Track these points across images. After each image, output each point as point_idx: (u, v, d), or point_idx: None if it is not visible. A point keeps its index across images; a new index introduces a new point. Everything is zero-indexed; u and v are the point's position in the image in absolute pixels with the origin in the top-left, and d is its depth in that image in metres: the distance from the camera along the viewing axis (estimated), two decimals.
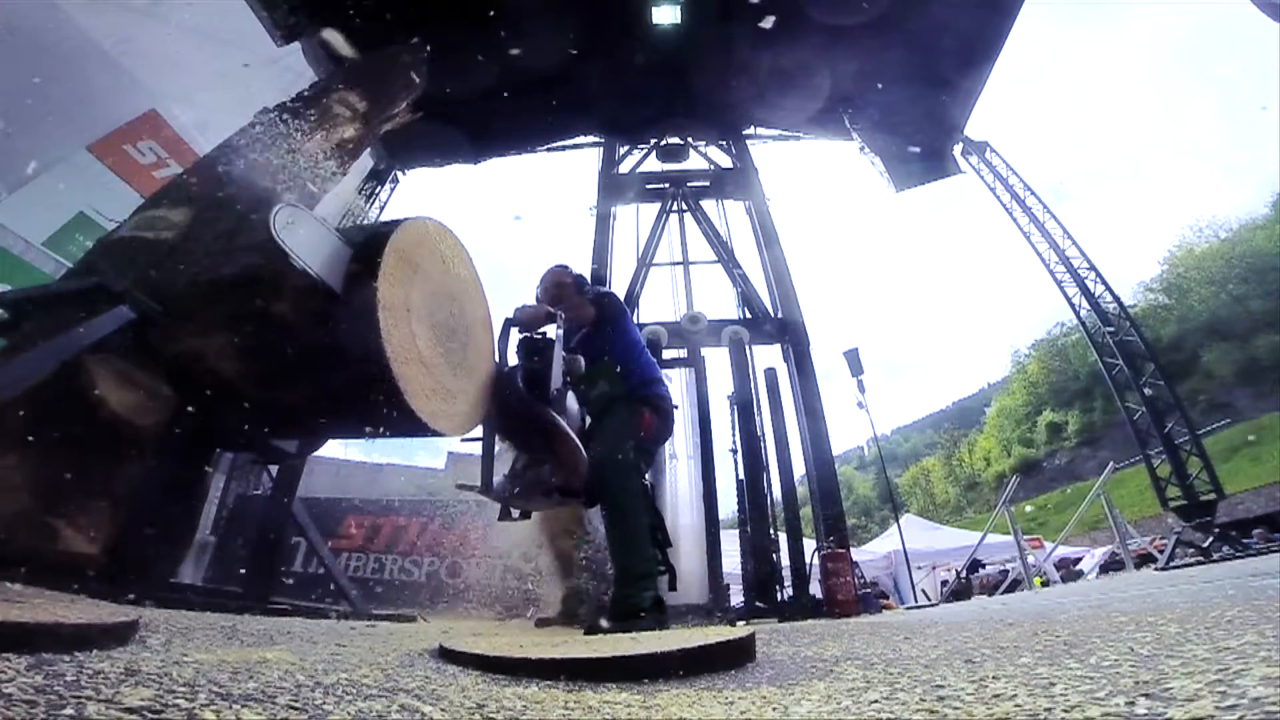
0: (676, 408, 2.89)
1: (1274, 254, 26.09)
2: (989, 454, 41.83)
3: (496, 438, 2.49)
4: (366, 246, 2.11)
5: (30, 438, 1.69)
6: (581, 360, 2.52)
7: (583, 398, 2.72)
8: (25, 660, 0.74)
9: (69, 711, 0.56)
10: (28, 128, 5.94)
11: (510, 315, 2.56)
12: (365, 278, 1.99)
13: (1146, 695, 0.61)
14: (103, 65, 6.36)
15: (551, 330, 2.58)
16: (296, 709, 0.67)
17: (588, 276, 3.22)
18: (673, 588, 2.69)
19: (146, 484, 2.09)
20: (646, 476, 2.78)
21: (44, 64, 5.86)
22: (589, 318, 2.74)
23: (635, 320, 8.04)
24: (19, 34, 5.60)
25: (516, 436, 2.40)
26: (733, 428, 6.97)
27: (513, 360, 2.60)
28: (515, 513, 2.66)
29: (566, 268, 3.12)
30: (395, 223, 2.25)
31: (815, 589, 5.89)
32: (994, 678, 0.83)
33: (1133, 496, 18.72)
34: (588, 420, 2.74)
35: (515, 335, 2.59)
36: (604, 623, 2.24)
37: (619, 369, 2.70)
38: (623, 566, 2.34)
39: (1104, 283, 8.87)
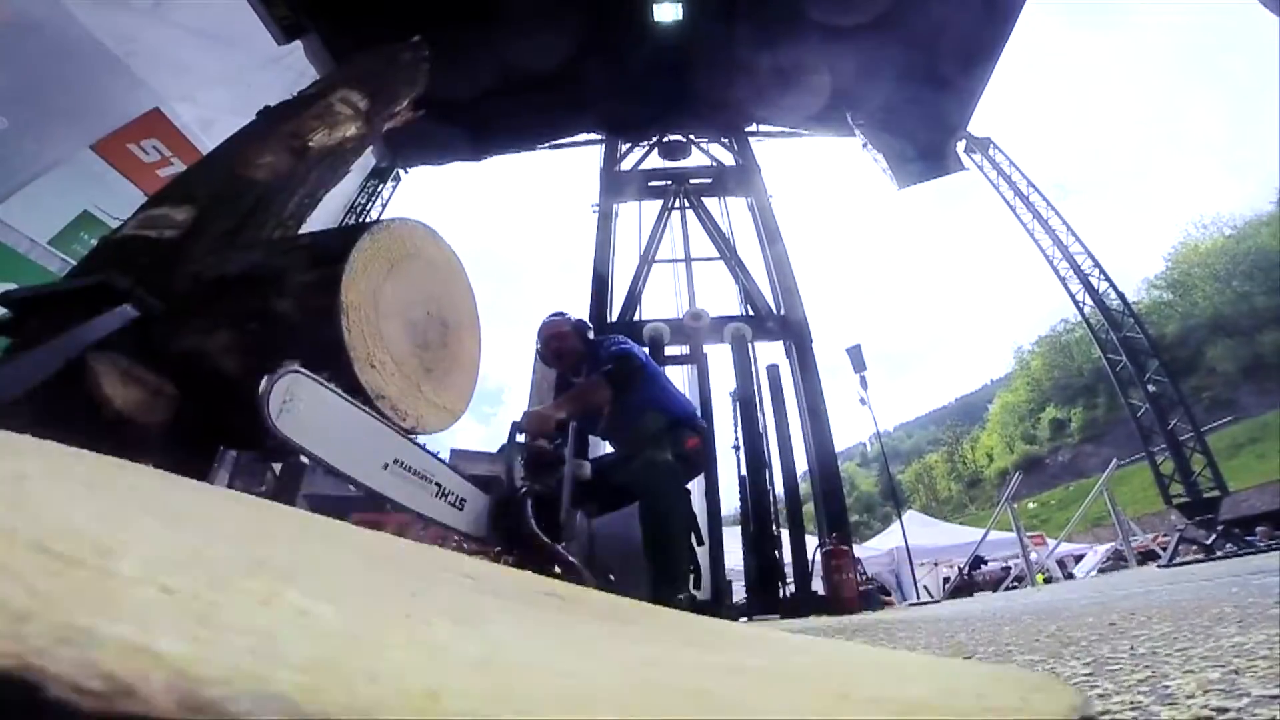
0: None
1: (1279, 250, 25.96)
2: (992, 450, 41.83)
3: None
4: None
5: (33, 436, 1.70)
6: (587, 466, 2.41)
7: (621, 448, 2.61)
8: None
9: None
10: (32, 126, 5.96)
11: (518, 420, 2.37)
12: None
13: (1147, 693, 0.61)
14: (106, 64, 6.37)
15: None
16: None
17: (587, 319, 2.99)
18: (697, 586, 2.67)
19: None
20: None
21: (48, 63, 5.88)
22: (605, 400, 2.51)
23: (639, 318, 8.05)
24: (23, 32, 5.62)
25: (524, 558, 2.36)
26: (735, 424, 6.98)
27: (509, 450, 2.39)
28: None
29: (564, 316, 2.87)
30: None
31: (818, 585, 5.90)
32: None
33: (1136, 493, 18.72)
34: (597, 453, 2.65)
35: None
36: None
37: (656, 415, 2.54)
38: (659, 568, 2.30)
39: (1108, 279, 8.85)
